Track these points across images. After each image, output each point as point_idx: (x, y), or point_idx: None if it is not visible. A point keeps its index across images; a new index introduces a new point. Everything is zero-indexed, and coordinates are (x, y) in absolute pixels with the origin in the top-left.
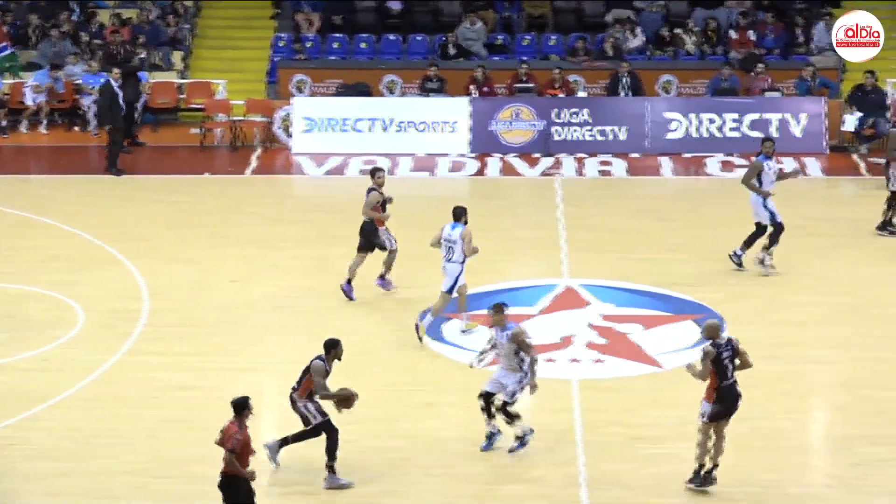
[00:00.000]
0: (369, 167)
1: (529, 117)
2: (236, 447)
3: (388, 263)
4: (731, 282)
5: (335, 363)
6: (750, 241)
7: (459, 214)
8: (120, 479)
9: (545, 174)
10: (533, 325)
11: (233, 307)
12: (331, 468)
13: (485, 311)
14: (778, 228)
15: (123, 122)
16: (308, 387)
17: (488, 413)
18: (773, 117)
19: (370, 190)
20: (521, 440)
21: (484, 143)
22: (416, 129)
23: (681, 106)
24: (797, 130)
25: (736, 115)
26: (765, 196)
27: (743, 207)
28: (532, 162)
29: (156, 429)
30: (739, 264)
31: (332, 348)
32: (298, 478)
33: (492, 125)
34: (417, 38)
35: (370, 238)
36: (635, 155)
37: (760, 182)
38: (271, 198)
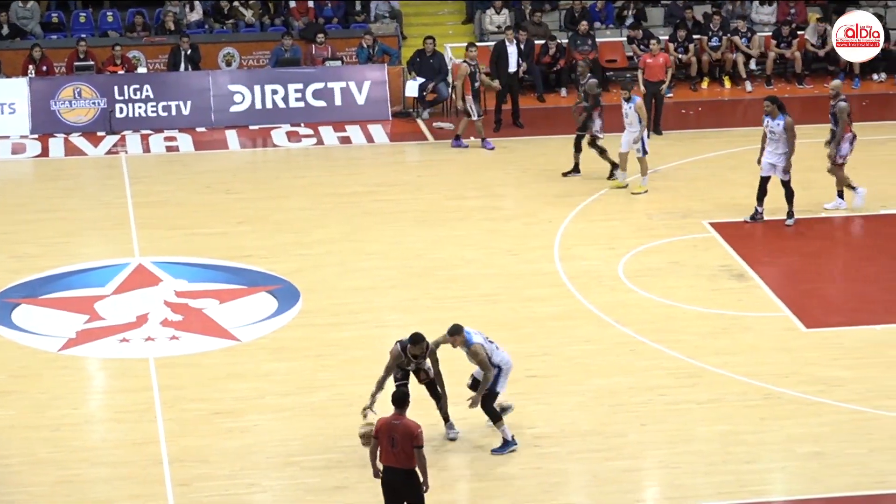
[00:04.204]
0: None
1: (90, 95)
2: (423, 442)
3: (465, 125)
4: (301, 251)
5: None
6: (761, 196)
7: (629, 85)
8: None
9: (110, 152)
10: (106, 306)
11: None
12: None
13: (54, 296)
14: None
15: None
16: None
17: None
18: (337, 86)
19: (462, 62)
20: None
21: (45, 124)
22: None
23: (244, 78)
24: (361, 98)
25: (300, 86)
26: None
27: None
28: (96, 141)
29: None
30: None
31: (414, 344)
32: None
33: (52, 105)
34: None
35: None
36: (201, 129)
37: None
38: None
